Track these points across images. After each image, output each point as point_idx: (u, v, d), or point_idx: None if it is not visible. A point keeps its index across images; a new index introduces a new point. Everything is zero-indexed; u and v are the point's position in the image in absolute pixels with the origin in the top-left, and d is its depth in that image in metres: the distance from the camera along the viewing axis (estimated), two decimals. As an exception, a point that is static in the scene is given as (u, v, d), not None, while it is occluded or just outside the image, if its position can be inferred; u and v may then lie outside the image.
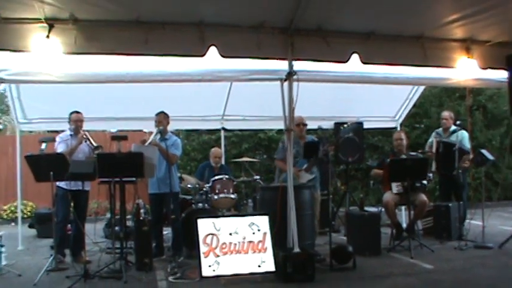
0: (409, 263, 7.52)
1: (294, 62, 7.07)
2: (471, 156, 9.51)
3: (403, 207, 10.14)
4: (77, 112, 8.18)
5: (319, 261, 7.27)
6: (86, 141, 7.98)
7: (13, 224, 12.65)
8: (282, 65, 7.14)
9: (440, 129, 9.96)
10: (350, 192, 10.76)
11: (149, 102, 9.19)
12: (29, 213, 13.25)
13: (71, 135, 8.07)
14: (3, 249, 7.48)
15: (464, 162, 9.10)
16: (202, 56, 6.54)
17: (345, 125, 10.24)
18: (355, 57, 7.07)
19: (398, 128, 11.57)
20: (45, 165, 6.98)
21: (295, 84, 7.00)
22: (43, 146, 7.49)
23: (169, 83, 8.03)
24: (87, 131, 8.18)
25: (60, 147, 7.93)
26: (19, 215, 10.07)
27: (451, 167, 8.96)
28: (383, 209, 9.10)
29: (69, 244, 8.08)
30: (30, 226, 11.41)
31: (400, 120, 11.70)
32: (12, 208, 13.74)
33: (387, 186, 8.98)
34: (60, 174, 7.00)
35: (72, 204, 7.98)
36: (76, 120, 8.10)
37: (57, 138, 8.10)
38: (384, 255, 8.08)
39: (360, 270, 7.07)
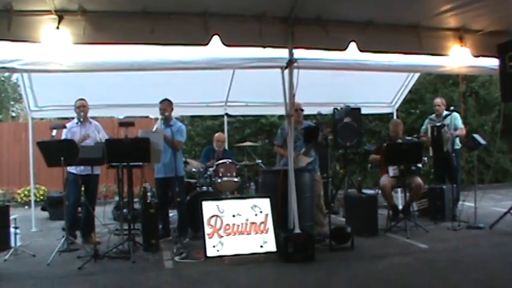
0: (405, 243, 7.53)
1: (294, 50, 7.04)
2: (464, 131, 9.65)
3: (399, 190, 10.14)
4: (81, 99, 8.20)
5: (319, 242, 7.27)
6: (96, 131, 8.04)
7: (27, 207, 12.65)
8: (283, 53, 7.11)
9: (434, 115, 9.96)
10: (348, 176, 10.80)
11: (155, 89, 9.14)
12: (41, 197, 13.25)
13: (77, 123, 8.11)
14: (18, 231, 7.49)
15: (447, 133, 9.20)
16: (205, 44, 6.51)
17: (339, 108, 10.27)
18: (353, 46, 7.02)
19: (395, 114, 11.56)
20: (56, 151, 6.97)
21: (295, 71, 6.97)
22: (54, 132, 7.47)
23: (175, 70, 8.02)
24: (95, 117, 8.19)
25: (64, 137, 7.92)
26: (32, 198, 10.11)
27: (441, 147, 9.14)
28: (380, 192, 9.09)
29: (79, 226, 8.12)
30: (42, 209, 11.48)
31: (397, 106, 11.70)
32: (26, 192, 13.77)
33: (384, 169, 8.98)
34: (70, 159, 7.00)
35: (82, 188, 8.03)
36: (79, 106, 8.11)
37: (67, 126, 8.11)
38: (381, 236, 8.10)
39: (358, 250, 7.08)
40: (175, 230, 8.32)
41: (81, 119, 8.08)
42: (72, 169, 7.83)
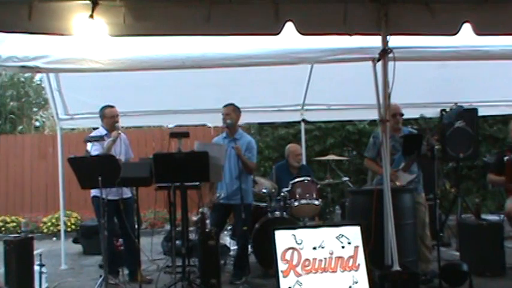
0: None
1: (389, 37, 6.97)
2: None
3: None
4: (111, 106, 8.39)
5: (425, 283, 7.25)
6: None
7: (54, 238, 13.04)
8: (374, 42, 7.08)
9: None
10: (462, 196, 10.64)
11: (214, 91, 9.32)
12: (73, 226, 13.63)
13: (106, 134, 8.18)
14: (43, 269, 7.66)
15: None
16: (277, 34, 6.48)
17: (448, 110, 10.14)
18: (466, 28, 6.89)
19: (523, 115, 11.37)
20: (92, 169, 7.04)
21: (390, 64, 6.93)
22: (89, 146, 7.65)
23: (237, 67, 8.02)
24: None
25: (94, 150, 7.94)
26: (62, 228, 10.42)
27: None
28: (506, 218, 8.94)
29: (121, 262, 8.29)
30: (74, 241, 11.77)
31: (526, 105, 11.47)
32: (54, 220, 14.17)
33: (510, 188, 8.82)
34: (110, 179, 6.97)
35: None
36: (114, 116, 8.32)
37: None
38: (509, 276, 7.97)
39: (478, 294, 7.00)
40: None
41: (119, 131, 8.20)
42: (96, 192, 7.79)
